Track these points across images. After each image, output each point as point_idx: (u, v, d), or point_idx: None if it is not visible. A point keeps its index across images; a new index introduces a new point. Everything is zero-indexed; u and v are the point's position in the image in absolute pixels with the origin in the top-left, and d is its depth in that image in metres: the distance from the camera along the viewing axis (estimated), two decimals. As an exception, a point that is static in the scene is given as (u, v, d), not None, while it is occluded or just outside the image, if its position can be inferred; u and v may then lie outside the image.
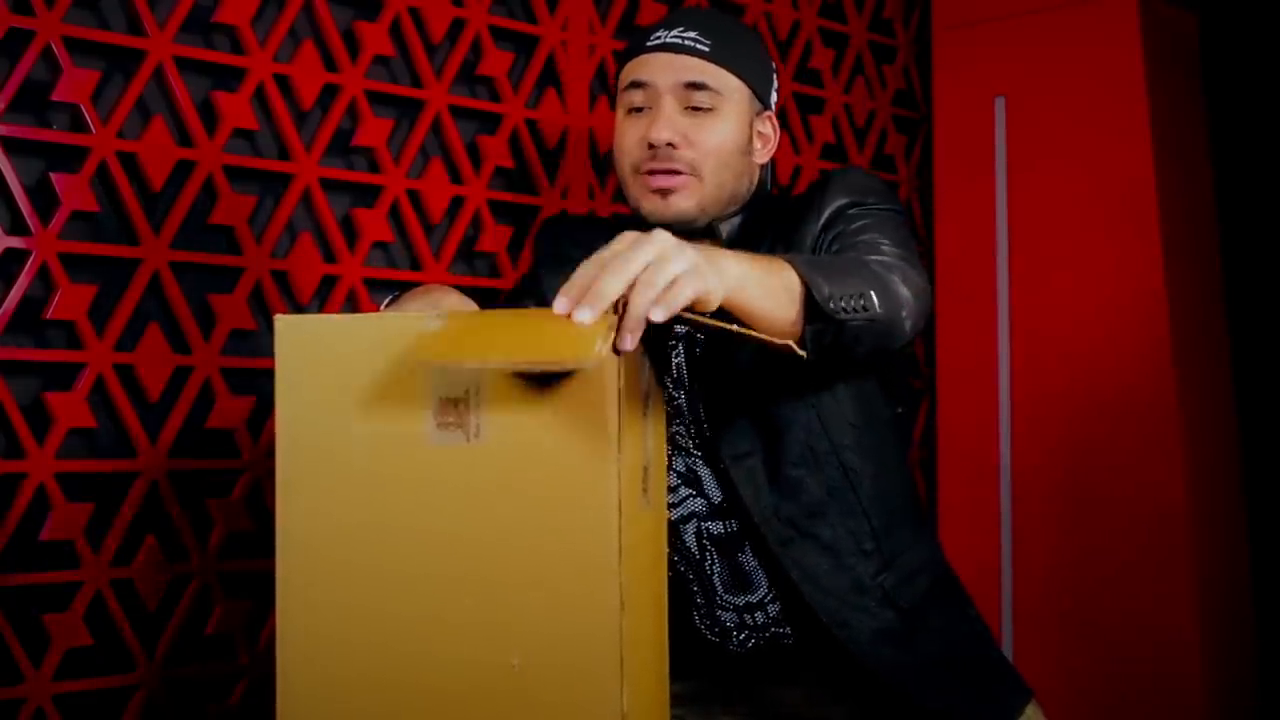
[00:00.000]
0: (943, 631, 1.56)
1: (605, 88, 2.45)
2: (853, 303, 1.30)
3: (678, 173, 1.53)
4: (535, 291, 1.68)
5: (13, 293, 1.80)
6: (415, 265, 2.21)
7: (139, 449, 1.90)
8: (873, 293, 1.32)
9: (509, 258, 2.32)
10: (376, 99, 2.17)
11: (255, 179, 2.06)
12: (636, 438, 1.17)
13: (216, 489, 1.98)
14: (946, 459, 2.86)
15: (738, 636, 1.55)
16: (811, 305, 1.27)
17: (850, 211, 1.51)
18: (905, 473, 1.63)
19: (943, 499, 2.85)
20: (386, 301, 1.48)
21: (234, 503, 1.98)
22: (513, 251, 2.33)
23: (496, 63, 2.31)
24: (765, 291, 1.22)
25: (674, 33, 1.56)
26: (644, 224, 1.60)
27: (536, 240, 1.78)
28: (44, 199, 1.85)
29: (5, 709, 1.76)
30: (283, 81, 2.07)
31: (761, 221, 1.58)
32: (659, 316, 1.08)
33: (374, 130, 2.15)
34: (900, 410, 1.62)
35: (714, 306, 1.15)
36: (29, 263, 1.81)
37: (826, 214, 1.51)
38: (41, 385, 1.85)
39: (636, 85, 1.56)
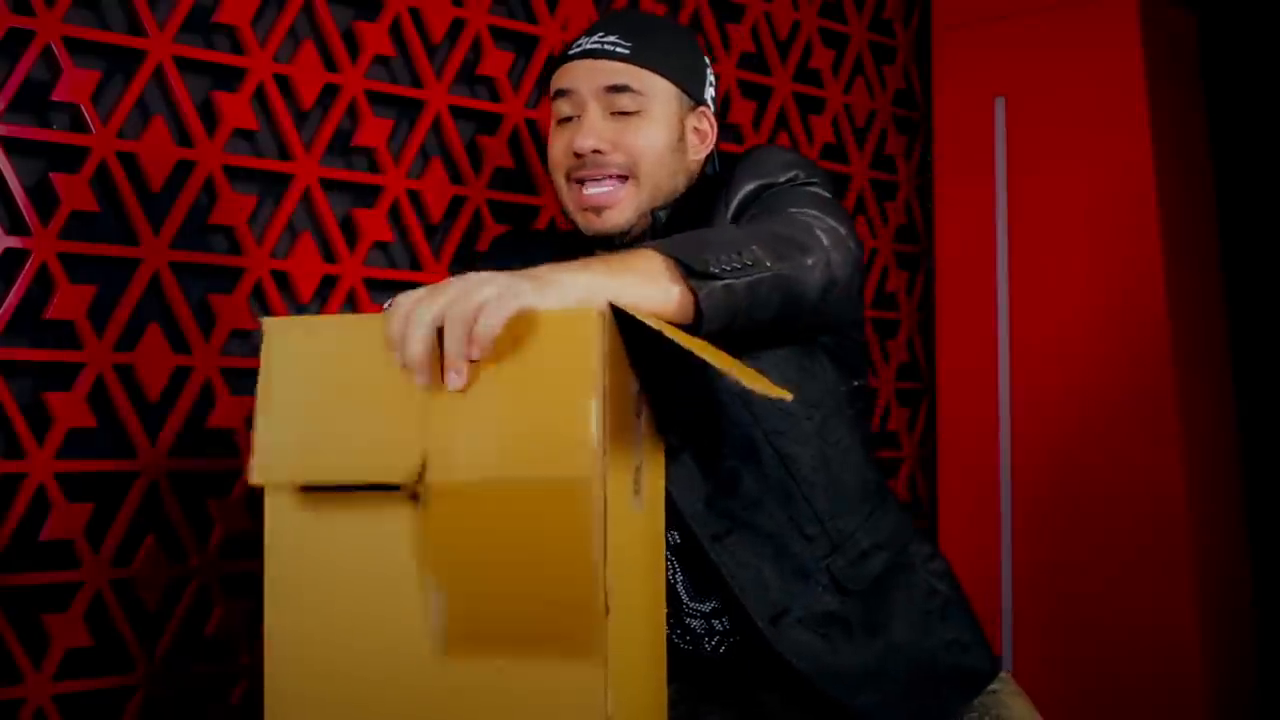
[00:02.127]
0: (901, 614, 1.51)
1: (605, 88, 2.45)
2: (734, 260, 1.24)
3: (616, 178, 1.51)
4: None
5: (12, 293, 1.80)
6: (415, 265, 2.21)
7: (139, 449, 1.90)
8: (755, 246, 1.27)
9: (509, 258, 2.32)
10: (376, 99, 2.17)
11: (255, 179, 2.06)
12: (625, 437, 1.16)
13: (216, 489, 1.98)
14: (946, 459, 2.86)
15: (709, 642, 1.53)
16: (691, 274, 1.22)
17: (763, 196, 1.47)
18: (858, 450, 1.55)
19: (943, 499, 2.85)
20: (388, 304, 1.48)
21: (234, 503, 1.98)
22: (513, 251, 2.33)
23: (496, 63, 2.30)
24: (627, 284, 1.18)
25: (594, 38, 1.55)
26: (584, 235, 1.58)
27: (484, 261, 1.70)
28: (44, 199, 1.84)
29: (5, 709, 1.76)
30: (283, 81, 2.07)
31: (686, 208, 1.55)
32: (476, 353, 1.07)
33: (374, 130, 2.15)
34: (856, 384, 1.56)
35: None
36: (29, 263, 1.81)
37: (735, 204, 1.47)
38: (41, 385, 1.84)
39: (561, 94, 1.55)
